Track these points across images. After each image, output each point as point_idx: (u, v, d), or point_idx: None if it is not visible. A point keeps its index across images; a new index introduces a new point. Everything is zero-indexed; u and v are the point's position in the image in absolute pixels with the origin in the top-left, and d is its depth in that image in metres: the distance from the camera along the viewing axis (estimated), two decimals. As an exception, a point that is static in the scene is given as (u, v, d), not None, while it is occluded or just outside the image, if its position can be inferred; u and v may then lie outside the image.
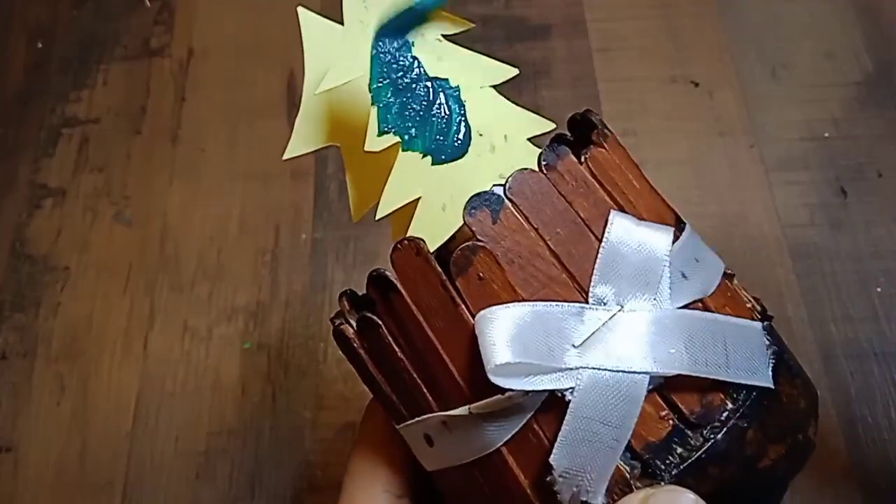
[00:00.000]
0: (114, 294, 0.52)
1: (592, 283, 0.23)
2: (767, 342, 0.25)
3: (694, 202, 0.52)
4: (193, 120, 0.59)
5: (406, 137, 0.26)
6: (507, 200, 0.24)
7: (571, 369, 0.22)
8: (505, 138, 0.27)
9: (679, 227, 0.26)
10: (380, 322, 0.25)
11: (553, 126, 0.28)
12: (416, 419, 0.25)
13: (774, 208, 0.52)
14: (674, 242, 0.25)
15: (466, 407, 0.23)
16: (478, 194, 0.24)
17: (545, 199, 0.24)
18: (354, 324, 0.26)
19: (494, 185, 0.24)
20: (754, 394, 0.24)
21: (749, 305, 0.26)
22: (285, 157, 0.28)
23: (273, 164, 0.56)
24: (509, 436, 0.23)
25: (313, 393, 0.48)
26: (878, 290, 0.49)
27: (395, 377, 0.26)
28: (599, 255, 0.24)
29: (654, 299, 0.23)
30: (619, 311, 0.23)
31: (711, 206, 0.52)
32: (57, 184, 0.57)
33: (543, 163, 0.25)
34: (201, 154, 0.57)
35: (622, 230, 0.24)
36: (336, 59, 0.26)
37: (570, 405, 0.22)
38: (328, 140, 0.29)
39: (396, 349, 0.25)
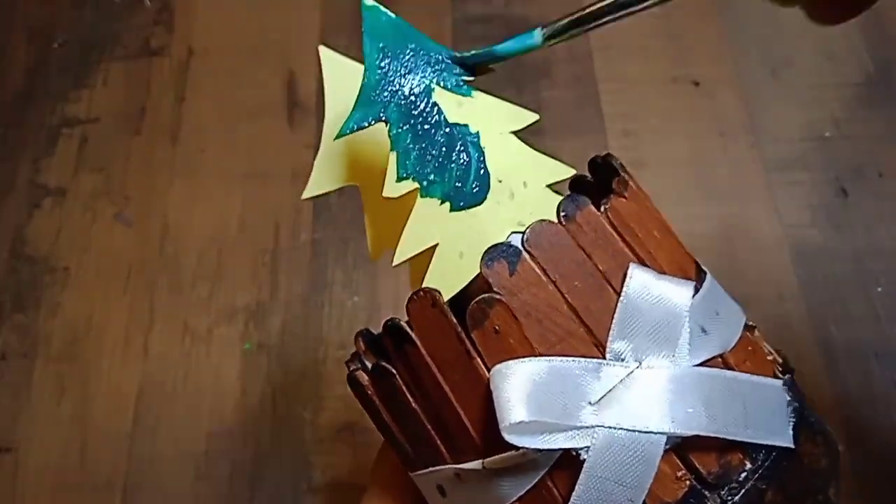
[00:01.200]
0: (114, 294, 0.52)
1: (610, 339, 0.23)
2: (788, 398, 0.25)
3: (694, 202, 0.52)
4: (193, 120, 0.59)
5: (424, 183, 0.26)
6: (524, 252, 0.23)
7: (587, 427, 0.22)
8: (524, 185, 0.27)
9: (700, 277, 0.26)
10: (394, 371, 0.25)
11: (573, 172, 0.28)
12: (429, 469, 0.25)
13: (775, 208, 0.52)
14: (694, 295, 0.24)
15: (480, 461, 0.23)
16: (495, 245, 0.23)
17: (563, 252, 0.24)
18: (369, 369, 0.26)
19: (513, 233, 0.24)
20: (774, 454, 0.23)
21: (770, 358, 0.26)
22: (304, 196, 0.28)
23: (273, 165, 0.56)
24: (523, 492, 0.23)
25: (313, 394, 0.48)
26: (879, 290, 0.49)
27: (409, 426, 0.25)
28: (618, 310, 0.23)
29: (673, 356, 0.23)
30: (637, 367, 0.22)
31: (712, 207, 0.52)
32: (57, 184, 0.57)
33: (562, 214, 0.24)
34: (201, 154, 0.57)
35: (641, 284, 0.23)
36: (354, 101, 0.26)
37: (585, 465, 0.22)
38: (347, 180, 0.28)
39: (410, 399, 0.25)
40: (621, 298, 0.23)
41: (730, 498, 0.22)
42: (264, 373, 0.49)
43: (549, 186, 0.27)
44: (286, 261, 0.52)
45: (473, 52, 0.28)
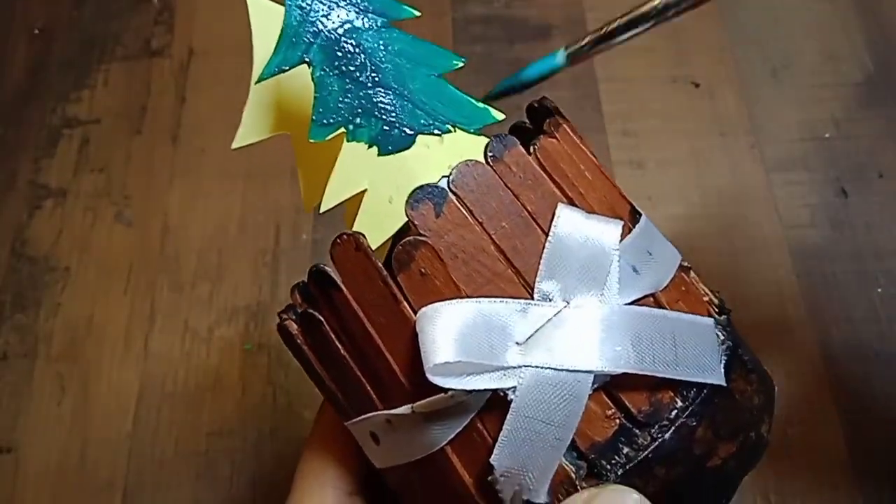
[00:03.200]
0: (114, 294, 0.52)
1: (538, 279, 0.23)
2: (721, 338, 0.25)
3: (694, 203, 0.52)
4: (194, 120, 0.59)
5: (350, 128, 0.26)
6: (450, 193, 0.23)
7: (513, 368, 0.22)
8: (454, 128, 0.26)
9: (634, 219, 0.26)
10: (321, 319, 0.25)
11: (503, 117, 0.27)
12: (362, 417, 0.25)
13: (775, 209, 0.52)
14: (626, 235, 0.24)
15: (409, 406, 0.23)
16: (420, 187, 0.23)
17: (490, 192, 0.23)
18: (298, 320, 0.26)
19: (443, 177, 0.24)
20: (705, 391, 0.23)
21: (706, 299, 0.26)
22: (234, 146, 0.27)
23: (273, 164, 0.56)
24: (453, 434, 0.23)
25: (314, 394, 0.47)
26: (879, 290, 0.49)
27: (340, 374, 0.25)
28: (545, 250, 0.23)
29: (602, 295, 0.23)
30: (565, 307, 0.22)
31: (712, 207, 0.52)
32: (57, 184, 0.57)
33: (489, 154, 0.24)
34: (202, 154, 0.57)
35: (569, 224, 0.23)
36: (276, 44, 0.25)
37: (512, 405, 0.22)
38: (278, 129, 0.28)
39: (339, 346, 0.25)
40: (549, 238, 0.23)
41: (660, 435, 0.22)
42: (265, 373, 0.49)
43: (478, 131, 0.27)
44: (287, 261, 0.52)
45: (501, 83, 0.27)
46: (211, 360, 0.49)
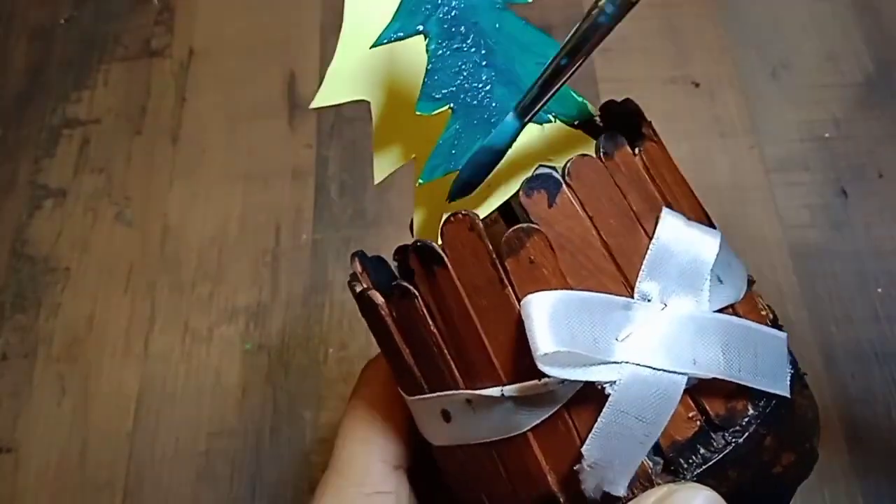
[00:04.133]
0: (114, 294, 0.52)
1: (640, 279, 0.23)
2: (789, 351, 0.25)
3: (694, 202, 0.52)
4: (194, 120, 0.59)
5: (455, 106, 0.25)
6: (564, 185, 0.23)
7: (615, 363, 0.22)
8: (554, 118, 0.27)
9: (713, 229, 0.26)
10: (416, 293, 0.24)
11: (598, 114, 0.28)
12: (438, 394, 0.25)
13: (775, 209, 0.52)
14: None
15: (499, 388, 0.23)
16: (537, 175, 0.23)
17: (602, 188, 0.24)
18: (386, 289, 0.26)
19: (540, 166, 0.24)
20: (774, 402, 0.24)
21: (764, 313, 0.26)
22: (312, 105, 0.26)
23: (273, 165, 0.56)
24: (538, 421, 0.23)
25: (314, 394, 0.48)
26: (879, 290, 0.49)
27: (422, 350, 0.25)
28: (649, 251, 0.23)
29: (697, 301, 0.23)
30: (663, 308, 0.23)
31: (712, 207, 0.51)
32: (57, 184, 0.57)
33: (602, 151, 0.24)
34: (202, 154, 0.57)
35: (673, 228, 0.24)
36: (377, 14, 0.25)
37: (611, 398, 0.22)
38: (359, 94, 0.27)
39: (430, 322, 0.24)
40: (653, 240, 0.23)
41: (734, 440, 0.23)
42: (265, 373, 0.49)
43: (572, 126, 0.27)
44: (287, 261, 0.52)
45: (460, 178, 0.26)
46: (211, 361, 0.49)
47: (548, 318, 0.22)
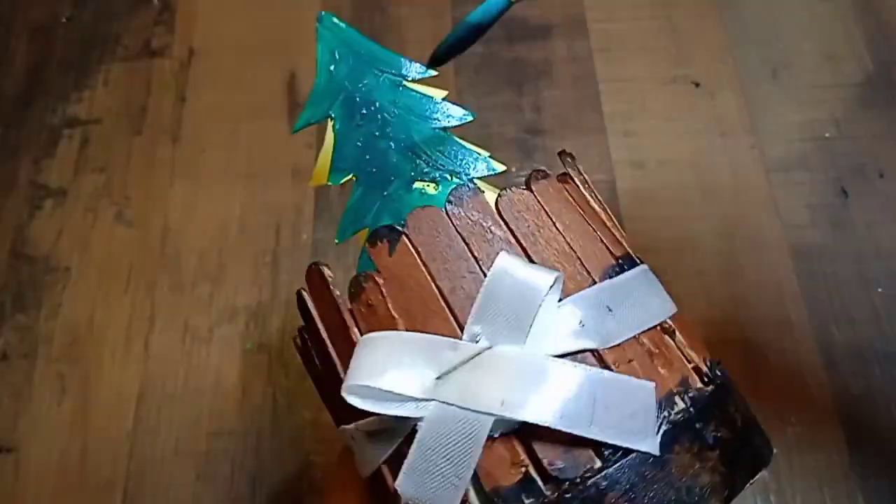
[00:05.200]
0: (114, 294, 0.52)
1: (469, 321, 0.24)
2: (680, 405, 0.24)
3: (695, 203, 0.52)
4: (194, 120, 0.59)
5: (361, 176, 0.29)
6: (404, 235, 0.25)
7: (424, 400, 0.23)
8: (451, 176, 0.29)
9: (609, 273, 0.26)
10: (306, 337, 0.27)
11: (503, 168, 0.29)
12: (341, 428, 0.27)
13: (775, 209, 0.52)
14: (587, 287, 0.25)
15: (354, 424, 0.25)
16: (381, 227, 0.25)
17: (440, 236, 0.25)
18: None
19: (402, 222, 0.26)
20: (631, 456, 0.22)
21: (692, 365, 0.25)
22: (310, 184, 0.31)
23: (274, 165, 0.56)
24: (385, 455, 0.24)
25: (314, 394, 0.48)
26: (879, 290, 0.49)
27: (321, 387, 0.28)
28: (480, 294, 0.24)
29: (524, 343, 0.23)
30: (487, 349, 0.23)
31: (712, 207, 0.52)
32: (58, 184, 0.57)
33: (449, 200, 0.26)
34: (202, 154, 0.57)
35: (504, 270, 0.24)
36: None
37: (417, 435, 0.23)
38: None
39: (317, 363, 0.27)
40: (484, 283, 0.24)
41: (567, 493, 0.22)
42: (265, 373, 0.49)
43: (481, 180, 0.29)
44: (287, 261, 0.52)
45: (444, 40, 0.30)
46: (211, 360, 0.49)
47: (367, 355, 0.23)
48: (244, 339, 0.50)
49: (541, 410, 0.22)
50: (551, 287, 0.23)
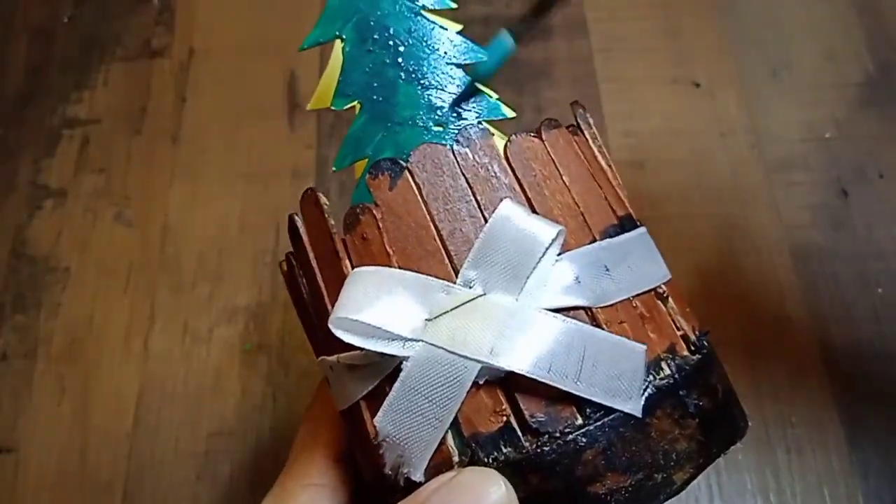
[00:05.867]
0: (114, 295, 0.52)
1: (465, 266, 0.23)
2: (666, 371, 0.24)
3: (695, 203, 0.52)
4: (194, 120, 0.59)
5: (366, 104, 0.28)
6: (406, 170, 0.24)
7: (412, 340, 0.23)
8: (458, 116, 0.28)
9: (610, 232, 0.26)
10: (294, 263, 0.27)
11: (513, 114, 0.29)
12: (320, 357, 0.26)
13: (776, 209, 0.52)
14: (587, 244, 0.24)
15: (336, 356, 0.24)
16: (384, 159, 0.25)
17: (444, 176, 0.24)
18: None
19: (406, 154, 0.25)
20: (612, 417, 0.23)
21: (681, 333, 0.25)
22: (309, 108, 0.29)
23: (274, 165, 0.56)
24: (365, 391, 0.24)
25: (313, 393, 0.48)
26: (879, 290, 0.49)
27: (306, 315, 0.27)
28: (478, 240, 0.24)
29: (519, 294, 0.23)
30: (480, 296, 0.23)
31: (712, 207, 0.52)
32: (58, 184, 0.57)
33: (456, 140, 0.25)
34: (202, 154, 0.57)
35: (506, 218, 0.24)
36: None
37: (401, 374, 0.23)
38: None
39: (303, 290, 0.26)
40: (484, 229, 0.24)
41: (545, 446, 0.22)
42: (264, 373, 0.49)
43: (490, 123, 0.28)
44: (287, 261, 0.52)
45: (462, 87, 0.28)
46: (211, 361, 0.49)
47: (357, 289, 0.23)
48: (244, 339, 0.50)
49: (529, 361, 0.22)
50: (553, 241, 0.23)
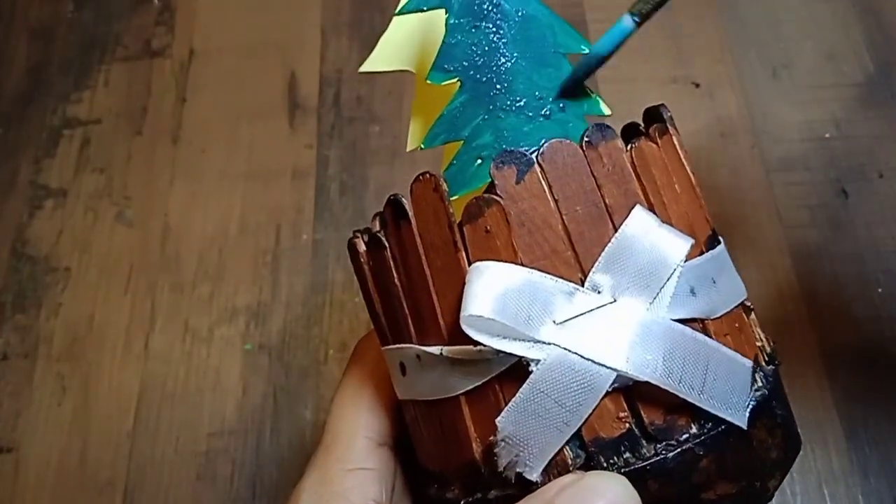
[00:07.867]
0: (115, 294, 0.52)
1: (594, 269, 0.23)
2: (759, 384, 0.25)
3: (694, 202, 0.52)
4: (194, 120, 0.59)
5: (465, 81, 0.26)
6: (536, 164, 0.24)
7: (543, 343, 0.22)
8: (561, 108, 0.27)
9: (710, 244, 0.26)
10: (386, 244, 0.25)
11: (609, 112, 0.29)
12: (397, 346, 0.26)
13: (775, 209, 0.52)
14: (696, 257, 0.24)
15: (440, 347, 0.24)
16: (511, 151, 0.24)
17: (574, 175, 0.24)
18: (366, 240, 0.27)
19: (536, 148, 0.24)
20: (722, 427, 0.23)
21: (759, 344, 0.26)
22: (361, 70, 0.28)
23: (274, 165, 0.56)
24: (471, 387, 0.23)
25: (314, 394, 0.48)
26: (879, 290, 0.49)
27: (389, 300, 0.26)
28: (609, 244, 0.23)
29: (651, 303, 0.23)
30: (611, 303, 0.23)
31: (712, 207, 0.51)
32: (58, 184, 0.57)
33: (585, 139, 0.24)
34: (202, 154, 0.57)
35: (640, 226, 0.23)
36: None
37: (531, 376, 0.22)
38: (404, 64, 0.29)
39: (395, 274, 0.25)
40: (616, 234, 0.23)
41: (664, 452, 0.23)
42: (265, 373, 0.49)
43: (586, 117, 0.27)
44: (287, 261, 0.52)
45: (573, 72, 0.28)
46: (211, 360, 0.49)
47: (485, 285, 0.22)
48: (244, 339, 0.50)
49: (664, 373, 0.22)
50: (687, 254, 0.23)
